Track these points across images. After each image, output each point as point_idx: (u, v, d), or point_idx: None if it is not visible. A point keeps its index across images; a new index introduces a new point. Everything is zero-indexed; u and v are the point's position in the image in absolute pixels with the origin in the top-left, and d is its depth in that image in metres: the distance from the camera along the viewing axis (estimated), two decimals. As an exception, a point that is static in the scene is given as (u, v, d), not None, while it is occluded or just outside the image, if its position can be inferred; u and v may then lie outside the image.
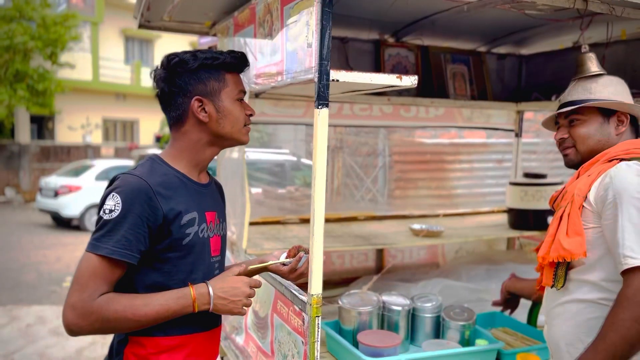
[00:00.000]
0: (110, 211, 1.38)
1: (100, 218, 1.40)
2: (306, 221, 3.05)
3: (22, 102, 16.61)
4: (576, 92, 1.76)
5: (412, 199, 4.83)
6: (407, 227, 2.96)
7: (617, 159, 1.59)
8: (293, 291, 1.82)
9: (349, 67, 2.96)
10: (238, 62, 1.59)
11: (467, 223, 3.28)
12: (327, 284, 3.18)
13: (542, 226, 2.94)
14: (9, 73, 16.73)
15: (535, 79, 3.38)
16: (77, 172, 12.68)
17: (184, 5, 2.46)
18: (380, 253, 3.28)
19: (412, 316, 2.37)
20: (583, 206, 1.58)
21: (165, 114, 1.60)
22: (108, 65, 21.71)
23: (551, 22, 2.81)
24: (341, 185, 6.16)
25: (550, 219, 2.94)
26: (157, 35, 22.67)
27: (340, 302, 2.31)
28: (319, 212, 1.65)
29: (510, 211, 3.06)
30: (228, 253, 2.54)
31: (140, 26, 2.68)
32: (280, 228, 2.90)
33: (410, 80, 1.75)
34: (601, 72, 1.77)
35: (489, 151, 5.08)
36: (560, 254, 1.56)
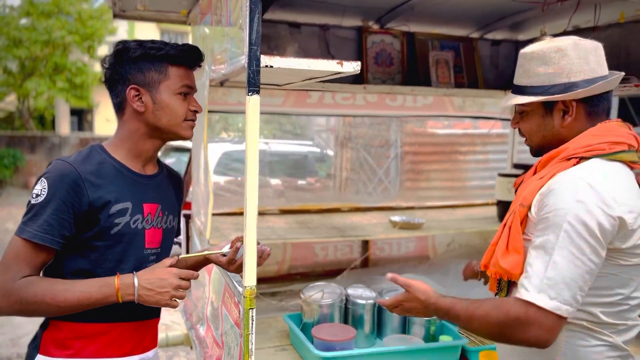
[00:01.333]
0: (37, 195, 1.40)
1: (28, 202, 1.42)
2: (286, 212, 3.02)
3: (62, 93, 17.13)
4: (519, 73, 1.49)
5: (416, 191, 4.72)
6: (387, 219, 2.89)
7: (575, 158, 1.37)
8: (234, 282, 1.79)
9: (329, 55, 2.89)
10: (183, 55, 1.57)
11: (457, 215, 3.17)
12: (310, 276, 3.14)
13: (530, 219, 2.81)
14: (48, 66, 17.30)
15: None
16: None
17: (154, -5, 2.45)
18: (365, 245, 3.22)
19: (379, 310, 2.31)
20: (527, 216, 1.39)
21: (111, 101, 1.59)
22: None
23: (538, 4, 2.68)
24: (352, 175, 6.09)
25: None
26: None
27: (302, 295, 2.27)
28: (251, 202, 1.62)
29: (499, 203, 2.94)
30: (197, 243, 2.54)
31: (115, 16, 2.69)
32: (257, 219, 2.86)
33: (352, 67, 1.68)
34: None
35: (496, 142, 4.91)
36: (498, 272, 1.41)
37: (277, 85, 2.55)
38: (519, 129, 1.57)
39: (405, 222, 2.77)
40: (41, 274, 1.46)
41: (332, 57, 2.91)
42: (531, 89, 1.44)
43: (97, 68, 19.04)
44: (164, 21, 2.80)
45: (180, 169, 7.11)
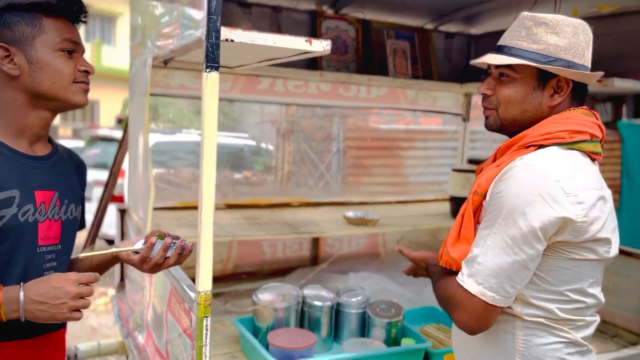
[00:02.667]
0: None
1: None
2: (232, 207, 2.80)
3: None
4: (517, 34, 1.35)
5: (363, 186, 4.63)
6: (341, 215, 2.74)
7: (534, 145, 1.30)
8: (184, 286, 1.58)
9: (282, 39, 2.70)
10: (59, 4, 1.27)
11: (410, 211, 3.08)
12: (257, 275, 2.95)
13: (485, 216, 2.76)
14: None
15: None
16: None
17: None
18: (315, 242, 3.07)
19: (337, 312, 2.17)
20: (482, 205, 1.33)
21: None
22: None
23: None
24: (294, 169, 5.92)
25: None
26: (119, 13, 21.87)
27: (254, 297, 2.08)
28: (207, 197, 1.41)
29: (452, 199, 2.87)
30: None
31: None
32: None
33: (322, 45, 1.51)
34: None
35: (444, 139, 4.91)
36: (448, 261, 1.35)
37: (228, 67, 2.34)
38: (485, 96, 1.42)
39: (360, 218, 2.64)
40: None
41: (284, 42, 2.73)
42: (531, 55, 1.32)
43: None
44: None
45: (107, 160, 6.68)
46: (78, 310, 1.19)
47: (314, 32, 2.76)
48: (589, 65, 1.37)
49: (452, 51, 3.23)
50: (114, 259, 1.48)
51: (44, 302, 1.15)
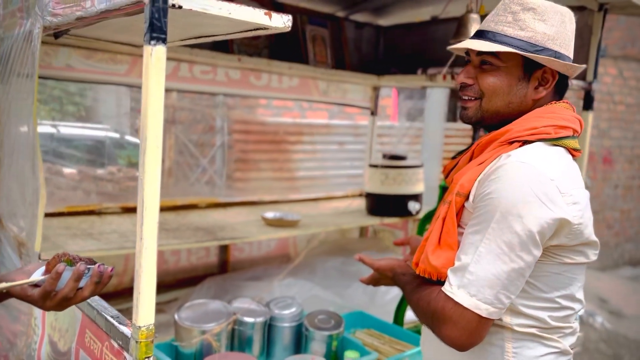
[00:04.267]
0: None
1: None
2: (130, 210, 2.41)
3: None
4: (502, 19, 1.24)
5: (255, 182, 4.40)
6: (257, 216, 2.49)
7: (519, 141, 1.20)
8: (109, 319, 1.24)
9: (187, 17, 2.37)
10: None
11: (321, 209, 2.92)
12: (159, 286, 2.58)
13: (404, 212, 2.69)
14: None
15: (393, 52, 3.13)
16: None
17: None
18: (224, 247, 2.77)
19: (269, 327, 1.93)
20: (464, 207, 1.22)
21: None
22: None
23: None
24: (173, 165, 5.45)
25: (412, 205, 2.72)
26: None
27: (177, 318, 1.77)
28: (151, 204, 1.11)
29: (369, 196, 2.76)
30: (15, 259, 1.82)
31: None
32: (95, 220, 2.21)
33: (282, 21, 1.28)
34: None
35: (332, 133, 4.85)
36: (427, 270, 1.22)
37: (135, 45, 1.96)
38: (464, 85, 1.30)
39: (280, 219, 2.41)
40: None
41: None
42: (517, 42, 1.21)
43: None
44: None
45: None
46: None
47: (223, 12, 2.46)
48: (572, 57, 1.30)
49: (362, 42, 3.12)
50: (3, 296, 1.10)
51: None
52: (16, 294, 1.08)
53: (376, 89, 3.19)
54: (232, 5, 1.20)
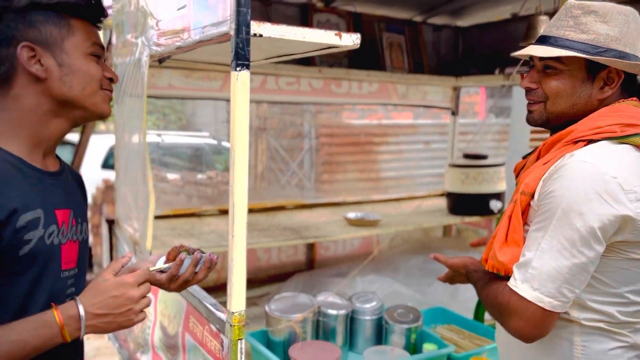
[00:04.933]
0: None
1: None
2: (226, 212, 2.65)
3: None
4: (564, 23, 1.29)
5: (341, 184, 4.56)
6: (340, 216, 2.64)
7: (583, 140, 1.24)
8: (208, 306, 1.45)
9: (272, 34, 2.58)
10: (87, 5, 1.13)
11: (403, 209, 3.01)
12: (253, 282, 2.82)
13: (485, 211, 2.72)
14: None
15: (472, 53, 3.15)
16: None
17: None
18: (311, 246, 2.95)
19: (351, 319, 2.07)
20: (530, 205, 1.27)
21: None
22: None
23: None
24: (266, 169, 5.75)
25: (494, 203, 2.74)
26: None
27: (267, 309, 1.96)
28: (240, 206, 1.29)
29: (450, 195, 2.82)
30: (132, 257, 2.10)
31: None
32: (195, 222, 2.48)
33: (352, 39, 1.41)
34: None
35: (417, 133, 4.88)
36: (495, 266, 1.29)
37: (226, 64, 2.18)
38: (529, 90, 1.35)
39: (361, 219, 2.54)
40: None
41: (275, 37, 2.61)
42: (579, 45, 1.25)
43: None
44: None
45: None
46: (142, 311, 1.12)
47: (304, 26, 2.64)
48: None
49: (441, 44, 3.18)
50: None
51: (108, 313, 1.05)
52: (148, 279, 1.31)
53: (456, 89, 3.23)
54: (306, 30, 1.35)
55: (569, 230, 1.15)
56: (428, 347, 1.96)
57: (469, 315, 2.35)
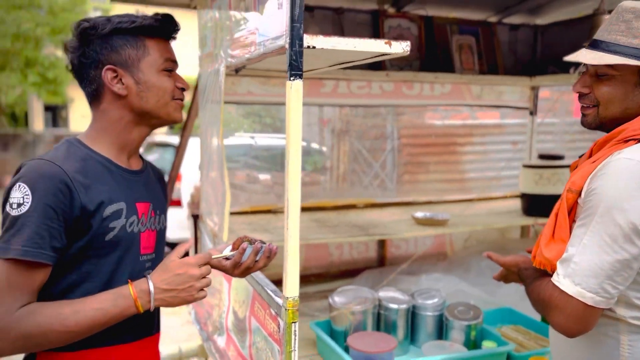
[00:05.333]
0: (19, 205, 1.14)
1: (6, 215, 1.16)
2: (302, 210, 2.81)
3: (34, 88, 16.53)
4: (615, 27, 1.29)
5: (422, 184, 4.57)
6: (409, 216, 2.71)
7: (634, 139, 1.24)
8: (269, 292, 1.60)
9: (344, 40, 2.70)
10: (161, 25, 1.33)
11: (477, 209, 3.02)
12: (325, 277, 2.96)
13: (559, 213, 2.66)
14: (20, 61, 16.66)
15: (552, 51, 3.08)
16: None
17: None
18: (382, 243, 3.05)
19: (413, 314, 2.14)
20: (577, 203, 1.29)
21: (83, 91, 1.35)
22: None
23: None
24: (348, 170, 5.88)
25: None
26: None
27: (331, 300, 2.09)
28: (293, 202, 1.42)
29: (524, 196, 2.79)
30: (209, 245, 2.33)
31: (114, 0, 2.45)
32: (270, 218, 2.67)
33: (401, 47, 1.49)
34: None
35: (504, 132, 4.78)
36: (542, 262, 1.32)
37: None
38: (581, 94, 1.37)
39: (429, 219, 2.60)
40: None
41: (347, 43, 2.73)
42: (631, 51, 1.26)
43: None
44: (167, 5, 2.56)
45: (164, 166, 6.86)
46: (202, 289, 1.28)
47: (376, 32, 2.74)
48: None
49: (517, 43, 3.14)
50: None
51: (173, 289, 1.23)
52: (214, 265, 1.49)
53: (534, 89, 3.17)
54: (356, 40, 1.46)
55: (611, 227, 1.18)
56: (487, 345, 1.99)
57: (539, 317, 2.33)
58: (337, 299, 2.08)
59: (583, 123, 1.42)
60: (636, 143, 1.24)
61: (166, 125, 1.43)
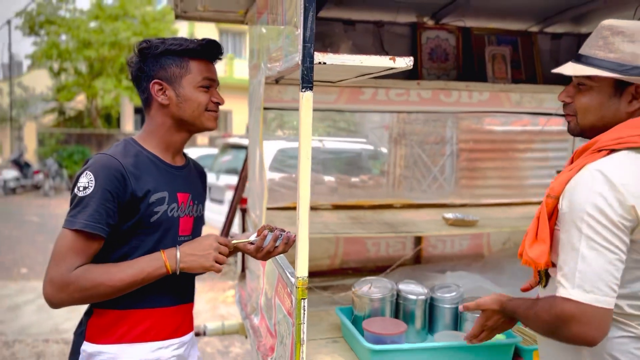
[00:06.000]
0: (84, 188, 1.47)
1: (75, 195, 1.49)
2: (340, 207, 3.05)
3: (127, 92, 17.89)
4: (594, 43, 1.42)
5: (479, 189, 4.62)
6: (441, 216, 2.87)
7: (606, 150, 1.35)
8: (287, 273, 1.85)
9: (384, 51, 2.91)
10: (203, 49, 1.62)
11: (511, 213, 3.11)
12: (361, 271, 3.17)
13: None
14: (115, 67, 18.09)
15: (595, 60, 3.12)
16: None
17: (214, -4, 2.55)
18: (418, 242, 3.21)
19: (431, 306, 2.31)
20: (557, 208, 1.39)
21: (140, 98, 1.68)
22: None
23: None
24: (405, 173, 6.05)
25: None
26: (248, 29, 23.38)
27: (353, 288, 2.30)
28: (304, 197, 1.67)
29: (558, 202, 2.85)
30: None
31: (177, 17, 2.81)
32: (310, 213, 2.91)
33: (404, 62, 1.70)
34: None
35: (567, 139, 4.77)
36: (527, 260, 1.43)
37: (331, 82, 2.59)
38: (565, 104, 1.50)
39: (458, 219, 2.74)
40: None
41: (386, 54, 2.93)
42: (607, 64, 1.38)
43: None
44: (222, 21, 2.90)
45: (238, 166, 7.31)
46: (219, 263, 1.57)
47: (414, 43, 2.93)
48: None
49: (560, 52, 3.20)
50: (234, 249, 1.80)
51: (194, 254, 1.54)
52: (240, 249, 1.76)
53: (577, 97, 3.21)
54: (363, 56, 1.68)
55: (600, 230, 1.27)
56: (496, 337, 2.13)
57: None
58: (358, 287, 2.29)
59: (568, 130, 1.56)
60: (608, 154, 1.36)
61: (202, 131, 1.72)
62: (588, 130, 1.48)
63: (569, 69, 1.47)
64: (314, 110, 2.88)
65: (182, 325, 1.74)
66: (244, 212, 2.92)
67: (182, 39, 1.62)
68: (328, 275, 3.03)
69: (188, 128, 1.67)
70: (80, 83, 18.37)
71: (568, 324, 1.27)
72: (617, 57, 1.38)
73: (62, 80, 18.70)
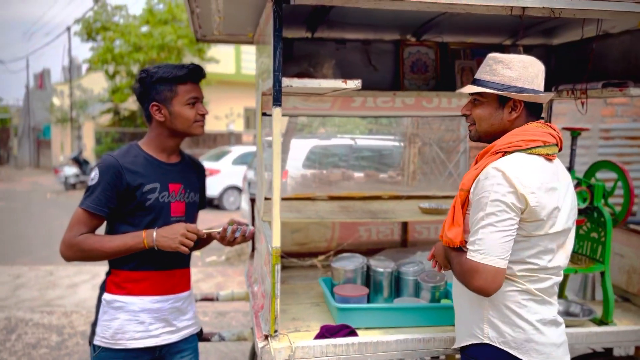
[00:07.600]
0: (92, 179, 2.09)
1: (87, 185, 2.11)
2: (337, 199, 3.58)
3: (174, 94, 18.81)
4: (483, 70, 1.89)
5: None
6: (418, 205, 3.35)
7: (501, 152, 1.82)
8: (269, 246, 2.40)
9: (371, 65, 3.40)
10: (188, 74, 2.16)
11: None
12: (354, 252, 3.68)
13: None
14: (164, 69, 19.08)
15: (563, 69, 3.50)
16: (217, 157, 14.27)
17: (225, 24, 3.11)
18: (405, 227, 3.69)
19: (398, 279, 2.82)
20: (468, 198, 1.86)
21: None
22: (248, 59, 23.65)
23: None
24: (418, 170, 6.53)
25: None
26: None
27: (331, 263, 2.84)
28: (276, 188, 2.19)
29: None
30: (258, 222, 3.17)
31: (198, 40, 3.40)
32: (307, 203, 3.47)
33: (354, 84, 2.21)
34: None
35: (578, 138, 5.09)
36: (447, 241, 1.91)
37: (319, 94, 3.13)
38: (467, 115, 1.99)
39: (432, 208, 3.22)
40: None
41: (374, 68, 3.42)
42: (492, 84, 1.87)
43: (208, 69, 20.75)
44: (235, 42, 3.46)
45: (270, 162, 7.89)
46: (184, 246, 2.06)
47: (397, 58, 3.41)
48: (541, 89, 1.88)
49: (532, 62, 3.59)
50: (208, 237, 2.34)
51: (165, 236, 2.08)
52: (213, 237, 2.30)
53: (549, 102, 3.61)
54: (322, 80, 2.21)
55: (498, 213, 1.74)
56: (445, 301, 2.62)
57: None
58: (335, 261, 2.83)
59: (469, 137, 2.05)
60: (503, 155, 1.85)
61: (192, 137, 2.29)
62: (484, 136, 1.97)
63: (467, 88, 1.97)
64: (314, 115, 3.45)
65: (179, 285, 2.30)
66: (252, 202, 3.49)
67: (172, 67, 2.15)
68: (326, 254, 3.57)
69: (180, 135, 2.23)
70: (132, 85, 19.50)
71: (472, 277, 1.73)
72: (499, 80, 1.87)
73: (116, 83, 19.91)
